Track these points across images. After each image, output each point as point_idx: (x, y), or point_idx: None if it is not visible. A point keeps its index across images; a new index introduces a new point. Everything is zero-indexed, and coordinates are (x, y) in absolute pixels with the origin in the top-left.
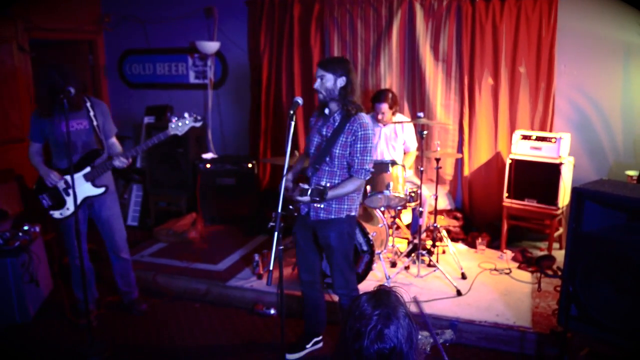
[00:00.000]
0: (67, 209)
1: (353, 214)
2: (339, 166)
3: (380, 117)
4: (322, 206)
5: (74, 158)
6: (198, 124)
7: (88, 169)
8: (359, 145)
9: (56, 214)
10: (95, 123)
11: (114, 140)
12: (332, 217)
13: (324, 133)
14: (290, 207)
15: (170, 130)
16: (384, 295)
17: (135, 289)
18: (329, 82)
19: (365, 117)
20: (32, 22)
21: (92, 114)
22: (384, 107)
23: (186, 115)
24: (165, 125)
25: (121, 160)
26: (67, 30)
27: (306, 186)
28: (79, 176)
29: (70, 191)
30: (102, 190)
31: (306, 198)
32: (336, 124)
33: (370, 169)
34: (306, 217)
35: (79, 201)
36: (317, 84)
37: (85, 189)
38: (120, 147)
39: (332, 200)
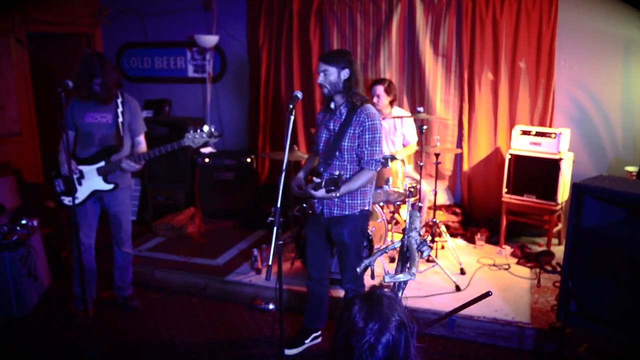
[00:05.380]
0: (77, 197)
1: (367, 208)
2: (349, 160)
3: (375, 100)
4: (335, 202)
5: (90, 150)
6: (213, 140)
7: (102, 164)
8: (367, 136)
9: (66, 200)
10: (120, 119)
11: (141, 139)
12: (346, 213)
13: (332, 127)
14: (304, 205)
15: (186, 141)
16: (377, 304)
17: (130, 286)
18: (332, 75)
19: (372, 108)
20: (29, 15)
21: (120, 110)
22: (379, 89)
23: (205, 128)
24: (165, 121)
25: (130, 164)
26: (65, 23)
27: (319, 180)
28: (92, 169)
29: (83, 182)
30: (110, 186)
31: (321, 191)
32: (343, 117)
33: (381, 159)
34: (320, 215)
35: (87, 193)
36: (320, 79)
37: (95, 182)
38: (145, 148)
39: (345, 196)
